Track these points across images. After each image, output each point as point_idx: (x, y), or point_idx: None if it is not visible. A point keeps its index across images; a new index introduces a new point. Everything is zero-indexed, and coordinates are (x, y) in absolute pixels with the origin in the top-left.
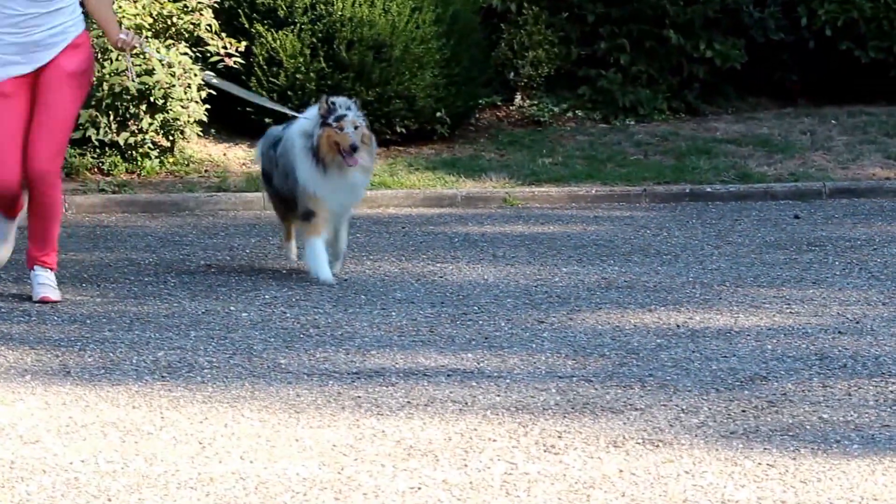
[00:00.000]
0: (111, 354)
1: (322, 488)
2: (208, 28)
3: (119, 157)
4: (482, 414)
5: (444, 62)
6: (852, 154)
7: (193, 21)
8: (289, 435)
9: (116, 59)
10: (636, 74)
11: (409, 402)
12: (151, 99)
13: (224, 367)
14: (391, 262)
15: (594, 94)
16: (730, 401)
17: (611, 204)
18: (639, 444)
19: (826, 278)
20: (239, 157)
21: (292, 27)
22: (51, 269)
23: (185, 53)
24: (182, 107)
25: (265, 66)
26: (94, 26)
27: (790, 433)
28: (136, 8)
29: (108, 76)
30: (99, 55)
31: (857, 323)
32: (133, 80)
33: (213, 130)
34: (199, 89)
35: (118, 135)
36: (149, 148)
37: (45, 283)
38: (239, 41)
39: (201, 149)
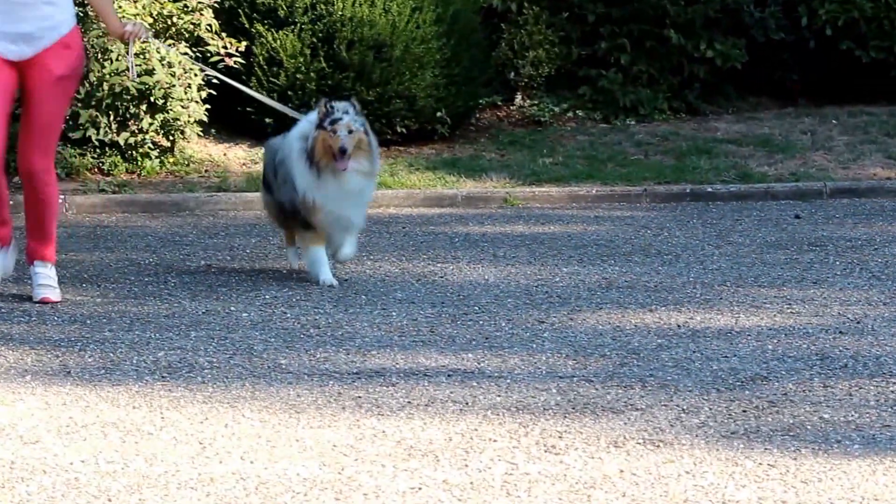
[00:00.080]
0: (111, 355)
1: (322, 488)
2: (208, 28)
3: (119, 157)
4: (483, 414)
5: (444, 62)
6: (853, 154)
7: (193, 21)
8: (289, 435)
9: (117, 60)
10: (637, 74)
11: (409, 402)
12: (151, 99)
13: (224, 368)
14: (392, 262)
15: (595, 94)
16: (731, 401)
17: (611, 204)
18: (639, 444)
19: (827, 278)
20: (239, 157)
21: (292, 27)
22: (50, 264)
23: (186, 53)
24: (182, 107)
25: (265, 66)
26: (95, 26)
27: (791, 433)
28: (136, 8)
29: (108, 76)
30: (99, 55)
31: (858, 323)
32: (134, 80)
33: (213, 130)
34: (199, 89)
35: (118, 135)
36: (149, 148)
37: (45, 282)
38: (239, 41)
39: (201, 149)
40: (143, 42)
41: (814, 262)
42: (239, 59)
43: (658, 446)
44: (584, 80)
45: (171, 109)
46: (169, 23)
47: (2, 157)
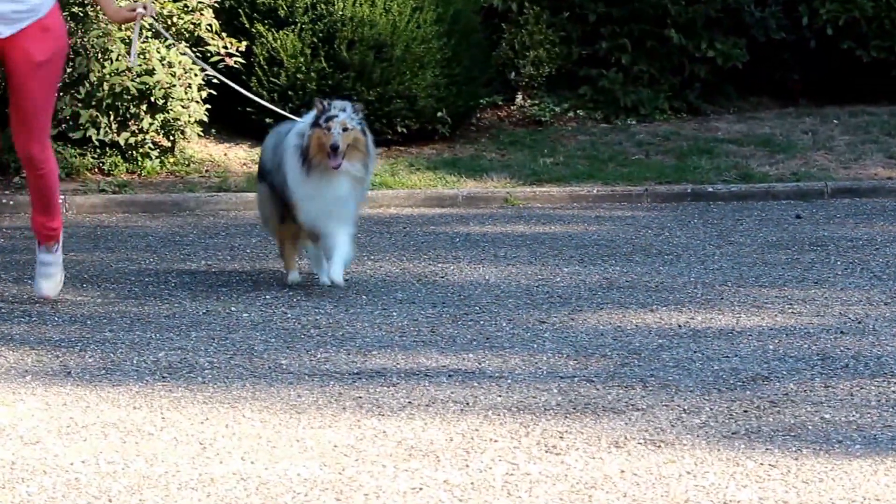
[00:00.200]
0: (112, 355)
1: (323, 489)
2: (209, 28)
3: (119, 157)
4: (483, 414)
5: (444, 62)
6: (854, 154)
7: (194, 21)
8: (290, 435)
9: (117, 60)
10: (637, 74)
11: (410, 402)
12: (152, 99)
13: (225, 368)
14: (392, 262)
15: (595, 94)
16: (732, 401)
17: (612, 204)
18: (640, 444)
19: (828, 278)
20: (240, 157)
21: (293, 27)
22: (57, 245)
23: (185, 53)
24: (182, 107)
25: (266, 66)
26: (95, 26)
27: (792, 433)
28: None
29: (108, 76)
30: (99, 55)
31: (860, 323)
32: (134, 65)
33: (213, 130)
34: (199, 89)
35: (118, 135)
36: (149, 148)
37: (47, 273)
38: (239, 41)
39: (202, 149)
40: (149, 21)
41: (815, 262)
42: (239, 59)
43: (659, 446)
44: (585, 80)
45: (171, 109)
46: (169, 23)
47: None
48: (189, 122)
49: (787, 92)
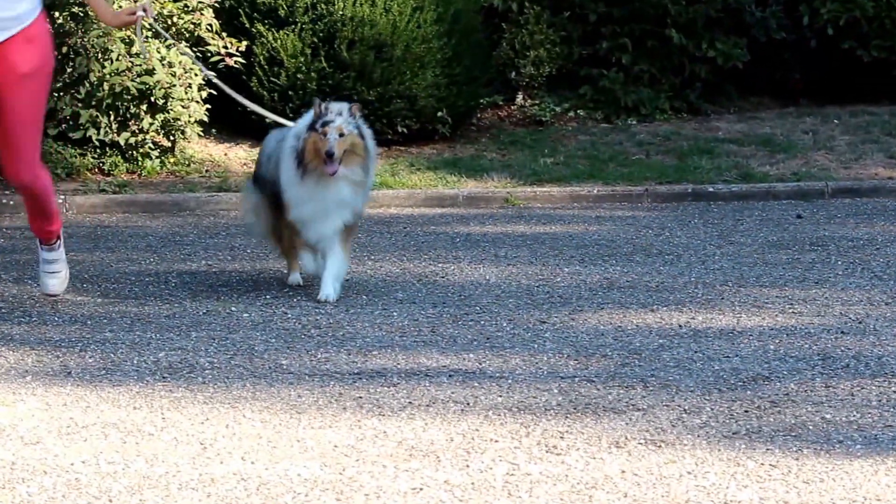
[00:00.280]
0: (112, 355)
1: (324, 489)
2: (209, 28)
3: (120, 157)
4: (484, 414)
5: (445, 62)
6: (855, 153)
7: (194, 21)
8: (290, 436)
9: (117, 60)
10: (638, 74)
11: (410, 402)
12: (152, 99)
13: (225, 368)
14: (393, 262)
15: (596, 94)
16: (732, 401)
17: (613, 204)
18: (641, 444)
19: (829, 278)
20: (240, 157)
21: (293, 27)
22: (56, 240)
23: (185, 54)
24: (183, 107)
25: (266, 66)
26: (95, 26)
27: (793, 433)
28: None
29: (108, 76)
30: (99, 55)
31: (860, 323)
32: (144, 53)
33: (213, 130)
34: (199, 89)
35: (119, 135)
36: (149, 148)
37: (51, 270)
38: (240, 41)
39: (202, 149)
40: (148, 22)
41: (815, 261)
42: (239, 59)
43: (660, 447)
44: (586, 80)
45: (171, 109)
46: (169, 23)
47: None
48: (189, 122)
49: (787, 92)
